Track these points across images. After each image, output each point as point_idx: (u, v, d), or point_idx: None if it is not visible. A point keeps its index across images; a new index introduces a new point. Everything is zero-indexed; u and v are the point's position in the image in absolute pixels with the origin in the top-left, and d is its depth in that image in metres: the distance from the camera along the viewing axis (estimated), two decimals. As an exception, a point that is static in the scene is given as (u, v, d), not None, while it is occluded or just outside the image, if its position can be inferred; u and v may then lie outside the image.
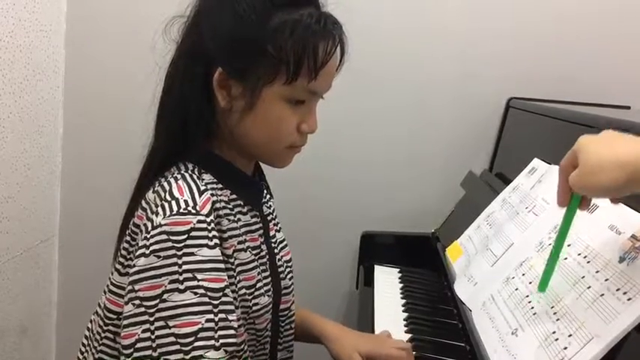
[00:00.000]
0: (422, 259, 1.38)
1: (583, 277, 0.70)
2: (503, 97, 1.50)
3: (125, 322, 0.66)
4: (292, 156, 0.80)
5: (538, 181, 1.03)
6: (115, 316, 0.73)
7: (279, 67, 0.70)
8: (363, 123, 1.55)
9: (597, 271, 0.68)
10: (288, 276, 0.89)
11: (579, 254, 0.74)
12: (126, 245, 0.74)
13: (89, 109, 1.58)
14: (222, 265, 0.68)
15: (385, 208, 1.58)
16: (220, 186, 0.76)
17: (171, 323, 0.64)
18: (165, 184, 0.71)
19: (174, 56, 0.77)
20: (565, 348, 0.65)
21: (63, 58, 1.55)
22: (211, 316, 0.66)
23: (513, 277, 0.87)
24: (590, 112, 1.07)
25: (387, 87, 1.53)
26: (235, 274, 0.74)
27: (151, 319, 0.65)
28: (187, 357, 0.64)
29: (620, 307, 0.62)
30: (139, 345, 0.65)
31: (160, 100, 0.78)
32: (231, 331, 0.68)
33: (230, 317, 0.68)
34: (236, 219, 0.76)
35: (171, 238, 0.65)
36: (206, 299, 0.66)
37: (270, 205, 0.91)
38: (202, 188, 0.71)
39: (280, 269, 0.87)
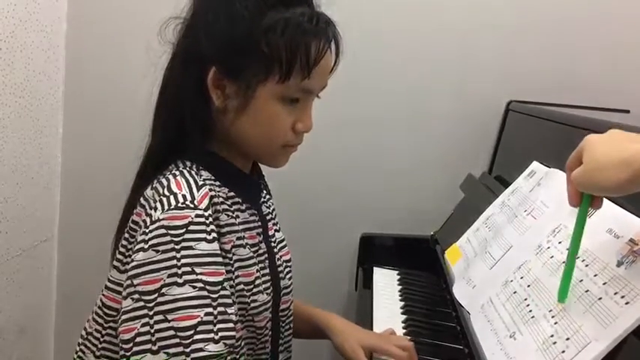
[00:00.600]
0: (421, 261, 1.39)
1: (581, 280, 0.70)
2: (502, 100, 1.50)
3: (124, 316, 0.66)
4: (288, 155, 0.81)
5: (537, 184, 1.03)
6: (115, 313, 0.73)
7: (272, 65, 0.71)
8: (363, 125, 1.54)
9: (595, 275, 0.68)
10: (288, 276, 0.90)
11: (577, 257, 0.74)
12: (125, 242, 0.74)
13: (89, 109, 1.59)
14: (220, 259, 0.69)
15: (384, 211, 1.58)
16: (218, 183, 0.77)
17: (170, 317, 0.65)
18: (164, 180, 0.72)
19: (170, 57, 0.78)
20: (563, 351, 0.65)
21: (63, 58, 1.56)
22: (210, 309, 0.66)
23: (512, 280, 0.87)
24: (589, 116, 1.08)
25: (386, 89, 1.53)
26: (233, 270, 0.75)
27: (150, 313, 0.65)
28: (187, 350, 0.64)
29: (617, 311, 0.62)
30: (138, 339, 0.65)
31: (156, 100, 0.78)
32: (230, 325, 0.68)
33: (229, 310, 0.68)
34: (234, 215, 0.77)
35: (170, 232, 0.66)
36: (205, 293, 0.66)
37: (270, 205, 0.92)
38: (200, 183, 0.72)
39: (280, 269, 0.87)
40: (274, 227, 0.90)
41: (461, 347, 0.99)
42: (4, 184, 1.40)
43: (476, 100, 1.52)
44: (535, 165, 1.09)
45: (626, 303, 0.61)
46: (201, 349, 0.65)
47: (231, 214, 0.76)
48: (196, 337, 0.65)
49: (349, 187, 1.58)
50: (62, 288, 1.69)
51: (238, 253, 0.76)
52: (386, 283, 1.31)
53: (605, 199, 0.69)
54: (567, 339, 0.66)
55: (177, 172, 0.73)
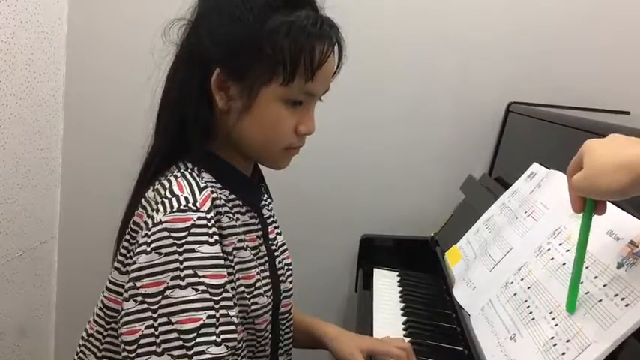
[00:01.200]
0: (421, 262, 1.39)
1: (581, 282, 0.70)
2: (503, 102, 1.50)
3: (126, 318, 0.66)
4: (290, 158, 0.81)
5: (537, 186, 1.03)
6: (116, 314, 0.73)
7: (276, 67, 0.71)
8: (363, 127, 1.55)
9: (595, 277, 0.68)
10: (289, 279, 0.90)
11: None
12: (126, 244, 0.74)
13: (90, 110, 1.59)
14: (222, 262, 0.69)
15: (385, 212, 1.58)
16: (219, 185, 0.77)
17: (173, 319, 0.65)
18: (165, 182, 0.72)
19: (174, 58, 0.78)
20: (563, 353, 0.65)
21: (64, 59, 1.56)
22: (212, 312, 0.66)
23: (512, 282, 0.87)
24: (589, 118, 1.08)
25: (387, 91, 1.53)
26: (234, 272, 0.75)
27: (154, 315, 0.65)
28: (189, 352, 0.64)
29: (618, 313, 0.62)
30: (142, 341, 0.65)
31: (160, 101, 0.79)
32: (232, 327, 0.68)
33: (231, 313, 0.69)
34: (235, 218, 0.77)
35: (172, 234, 0.66)
36: (207, 295, 0.66)
37: (271, 209, 0.92)
38: (202, 185, 0.72)
39: (280, 271, 0.87)
40: (275, 230, 0.90)
41: (461, 349, 0.99)
42: (4, 185, 1.40)
43: (476, 101, 1.52)
44: (535, 166, 1.09)
45: (627, 305, 0.61)
46: (203, 352, 0.65)
47: (232, 216, 0.76)
48: (199, 339, 0.65)
49: (350, 188, 1.59)
50: (62, 289, 1.69)
51: (239, 256, 0.76)
52: (386, 284, 1.31)
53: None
54: (568, 341, 0.66)
55: (179, 174, 0.73)
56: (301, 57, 0.71)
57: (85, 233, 1.63)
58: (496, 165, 1.50)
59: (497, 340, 0.80)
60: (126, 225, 0.76)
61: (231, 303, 0.69)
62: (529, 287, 0.81)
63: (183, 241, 0.66)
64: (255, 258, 0.79)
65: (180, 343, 0.65)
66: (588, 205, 0.66)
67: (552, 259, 0.81)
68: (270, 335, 0.84)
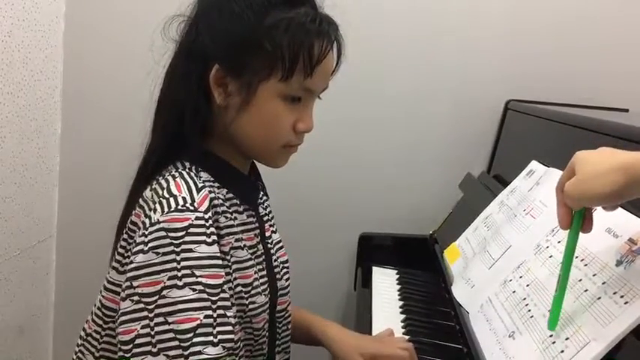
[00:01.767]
0: (420, 260, 1.38)
1: (580, 280, 0.70)
2: (501, 100, 1.50)
3: (123, 318, 0.66)
4: (288, 155, 0.81)
5: (536, 184, 1.03)
6: (114, 314, 0.73)
7: (275, 63, 0.71)
8: (361, 125, 1.55)
9: (594, 275, 0.68)
10: (285, 277, 0.90)
11: (576, 257, 0.74)
12: (123, 243, 0.74)
13: (87, 109, 1.58)
14: (220, 262, 0.69)
15: (383, 210, 1.58)
16: (217, 184, 0.76)
17: (170, 319, 0.64)
18: (163, 182, 0.72)
19: (173, 55, 0.78)
20: (562, 351, 0.65)
21: (61, 57, 1.55)
22: (210, 312, 0.66)
23: (511, 280, 0.87)
24: (588, 115, 1.08)
25: (385, 89, 1.53)
26: (232, 272, 0.75)
27: (151, 315, 0.65)
28: (186, 353, 0.64)
29: (617, 311, 0.62)
30: (138, 341, 0.65)
31: (158, 98, 0.78)
32: (229, 327, 0.68)
33: (228, 313, 0.68)
34: (232, 217, 0.77)
35: (170, 234, 0.65)
36: (204, 295, 0.66)
37: (267, 206, 0.91)
38: (200, 185, 0.71)
39: (276, 270, 0.87)
40: (271, 228, 0.90)
41: (460, 347, 0.98)
42: (2, 183, 1.39)
43: (475, 99, 1.52)
44: (534, 164, 1.09)
45: (625, 303, 0.61)
46: (199, 352, 0.64)
47: (229, 215, 0.76)
48: (195, 339, 0.65)
49: (348, 186, 1.58)
50: (61, 288, 1.69)
51: (236, 255, 0.76)
52: (385, 282, 1.31)
53: (599, 209, 0.67)
54: (566, 339, 0.66)
55: (177, 174, 0.72)
56: (300, 53, 0.71)
57: (83, 232, 1.63)
58: (495, 163, 1.50)
59: (496, 338, 0.80)
60: (123, 224, 0.75)
61: (228, 303, 0.69)
62: (528, 285, 0.81)
63: (181, 241, 0.66)
64: (252, 257, 0.79)
65: (177, 343, 0.64)
66: (576, 221, 0.66)
67: (551, 256, 0.81)
68: (267, 334, 0.83)
